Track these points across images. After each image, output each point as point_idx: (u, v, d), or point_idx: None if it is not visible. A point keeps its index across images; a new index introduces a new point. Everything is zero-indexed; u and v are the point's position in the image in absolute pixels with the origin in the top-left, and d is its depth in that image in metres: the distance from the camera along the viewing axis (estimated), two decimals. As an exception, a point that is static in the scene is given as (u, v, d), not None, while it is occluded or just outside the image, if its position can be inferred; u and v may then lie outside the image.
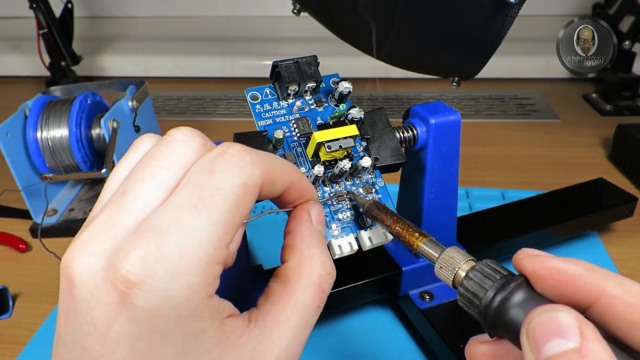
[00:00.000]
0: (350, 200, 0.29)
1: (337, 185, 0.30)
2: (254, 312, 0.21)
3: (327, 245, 0.28)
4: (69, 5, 0.80)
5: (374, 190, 0.30)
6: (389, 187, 0.30)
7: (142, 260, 0.17)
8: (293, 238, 0.23)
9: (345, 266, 0.37)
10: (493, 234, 0.42)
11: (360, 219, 0.29)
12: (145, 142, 0.21)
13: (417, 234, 0.23)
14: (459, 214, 0.38)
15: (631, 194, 0.47)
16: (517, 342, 0.18)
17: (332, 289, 0.36)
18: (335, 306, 0.37)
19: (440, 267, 0.21)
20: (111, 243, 0.18)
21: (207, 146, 0.20)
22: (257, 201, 0.21)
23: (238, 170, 0.19)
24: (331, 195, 0.29)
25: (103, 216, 0.18)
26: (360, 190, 0.30)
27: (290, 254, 0.22)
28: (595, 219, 0.46)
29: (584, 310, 0.18)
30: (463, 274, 0.20)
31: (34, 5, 0.75)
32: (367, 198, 0.28)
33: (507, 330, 0.18)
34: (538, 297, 0.19)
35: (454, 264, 0.21)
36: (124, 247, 0.17)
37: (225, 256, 0.19)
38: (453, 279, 0.21)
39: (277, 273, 0.22)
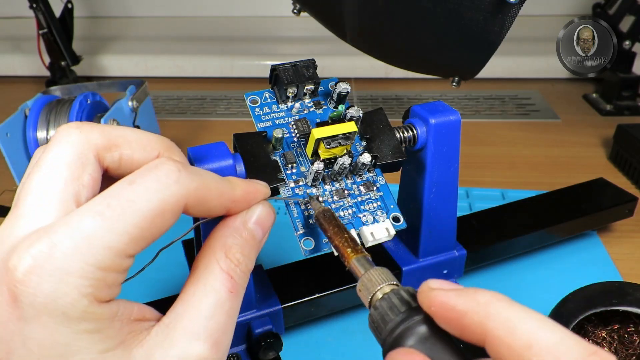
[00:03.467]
0: (352, 197, 0.29)
1: (338, 183, 0.30)
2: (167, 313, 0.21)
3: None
4: (69, 5, 0.80)
5: (374, 188, 0.30)
6: (389, 187, 0.30)
7: (32, 258, 0.17)
8: (216, 228, 0.23)
9: (345, 266, 0.37)
10: (493, 234, 0.42)
11: (362, 215, 0.29)
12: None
13: (352, 250, 0.22)
14: (459, 214, 0.38)
15: (631, 194, 0.47)
16: None
17: (332, 289, 0.36)
18: (336, 306, 0.37)
19: (360, 288, 0.20)
20: (12, 243, 0.18)
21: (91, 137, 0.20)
22: (195, 216, 0.21)
23: (159, 186, 0.19)
24: (332, 193, 0.29)
25: (8, 217, 0.19)
26: (362, 188, 0.30)
27: (206, 243, 0.22)
28: (595, 219, 0.46)
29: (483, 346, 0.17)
30: (377, 299, 0.19)
31: (34, 5, 0.75)
32: (324, 205, 0.27)
33: None
34: (439, 333, 0.18)
35: (372, 286, 0.20)
36: (20, 246, 0.17)
37: (126, 267, 0.19)
38: (369, 301, 0.20)
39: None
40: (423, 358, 0.17)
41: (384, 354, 0.18)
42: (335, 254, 0.24)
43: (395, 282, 0.20)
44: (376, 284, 0.20)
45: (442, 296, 0.18)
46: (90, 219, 0.18)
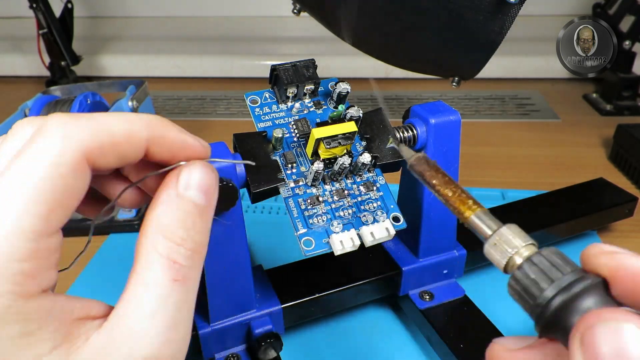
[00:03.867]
0: (352, 196, 0.29)
1: (338, 183, 0.30)
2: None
3: (329, 241, 0.28)
4: (69, 5, 0.80)
5: (375, 187, 0.30)
6: (389, 187, 0.30)
7: None
8: (148, 210, 0.19)
9: (345, 266, 0.37)
10: (493, 234, 0.42)
11: (362, 215, 0.29)
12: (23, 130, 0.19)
13: (470, 202, 0.19)
14: (459, 213, 0.38)
15: (631, 194, 0.47)
16: None
17: (332, 289, 0.36)
18: (336, 306, 0.37)
19: (492, 247, 0.18)
20: None
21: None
22: (109, 167, 0.18)
23: (45, 149, 0.17)
24: (332, 193, 0.29)
25: None
26: (362, 188, 0.30)
27: (140, 229, 0.19)
28: (595, 219, 0.46)
29: None
30: (519, 261, 0.17)
31: (34, 5, 0.75)
32: (413, 152, 0.23)
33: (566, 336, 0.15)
34: (612, 300, 0.16)
35: (509, 246, 0.17)
36: None
37: (50, 247, 0.17)
38: (506, 263, 0.17)
39: None
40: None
41: (541, 322, 0.16)
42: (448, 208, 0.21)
43: (532, 242, 0.18)
44: (514, 243, 0.18)
45: (634, 260, 0.16)
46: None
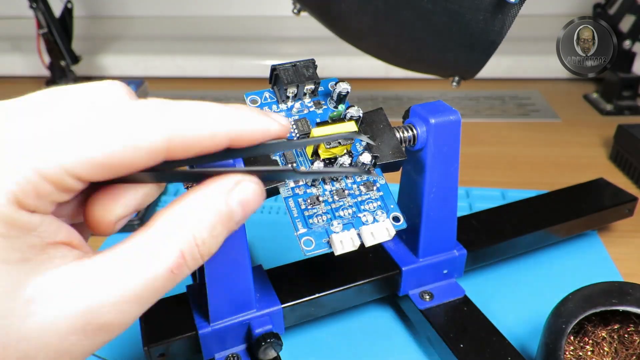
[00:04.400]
0: (352, 196, 0.29)
1: (338, 183, 0.30)
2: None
3: (329, 241, 0.28)
4: (69, 5, 0.80)
5: (374, 187, 0.30)
6: (389, 187, 0.30)
7: None
8: (193, 190, 0.20)
9: (345, 266, 0.37)
10: (493, 234, 0.42)
11: (362, 215, 0.29)
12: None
13: None
14: (459, 214, 0.38)
15: (631, 194, 0.47)
16: None
17: (332, 289, 0.36)
18: (336, 306, 0.37)
19: None
20: None
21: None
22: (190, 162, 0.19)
23: (126, 127, 0.17)
24: (332, 193, 0.29)
25: None
26: (362, 188, 0.30)
27: (174, 202, 0.19)
28: (595, 219, 0.46)
29: None
30: None
31: (34, 5, 0.75)
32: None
33: None
34: None
35: None
36: None
37: (68, 188, 0.17)
38: None
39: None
40: None
41: None
42: None
43: None
44: None
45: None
46: (64, 121, 0.17)
